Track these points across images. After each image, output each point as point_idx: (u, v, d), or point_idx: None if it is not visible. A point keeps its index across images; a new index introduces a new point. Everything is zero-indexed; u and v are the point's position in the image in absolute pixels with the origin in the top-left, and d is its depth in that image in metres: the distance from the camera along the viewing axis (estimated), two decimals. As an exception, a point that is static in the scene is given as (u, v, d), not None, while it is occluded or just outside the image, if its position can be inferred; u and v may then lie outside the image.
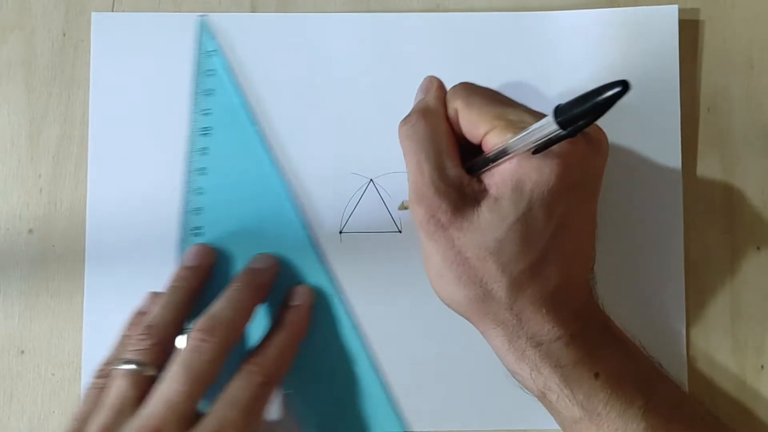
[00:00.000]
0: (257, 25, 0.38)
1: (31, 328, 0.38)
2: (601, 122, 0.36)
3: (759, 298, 0.37)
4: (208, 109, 0.38)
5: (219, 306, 0.34)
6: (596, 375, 0.30)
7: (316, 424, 0.37)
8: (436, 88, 0.33)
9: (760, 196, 0.38)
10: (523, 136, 0.28)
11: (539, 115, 0.30)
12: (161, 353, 0.33)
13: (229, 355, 0.33)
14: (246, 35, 0.38)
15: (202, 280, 0.37)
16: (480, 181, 0.31)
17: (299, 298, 0.37)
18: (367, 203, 0.38)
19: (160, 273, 0.37)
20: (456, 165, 0.31)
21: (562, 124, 0.26)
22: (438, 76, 0.37)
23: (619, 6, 0.38)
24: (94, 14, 0.38)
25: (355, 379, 0.37)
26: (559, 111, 0.26)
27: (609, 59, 0.37)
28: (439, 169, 0.31)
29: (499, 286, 0.30)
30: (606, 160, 0.32)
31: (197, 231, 0.38)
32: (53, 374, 0.37)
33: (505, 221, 0.29)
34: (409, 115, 0.32)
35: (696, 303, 0.37)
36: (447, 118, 0.32)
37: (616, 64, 0.37)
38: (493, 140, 0.30)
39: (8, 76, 0.38)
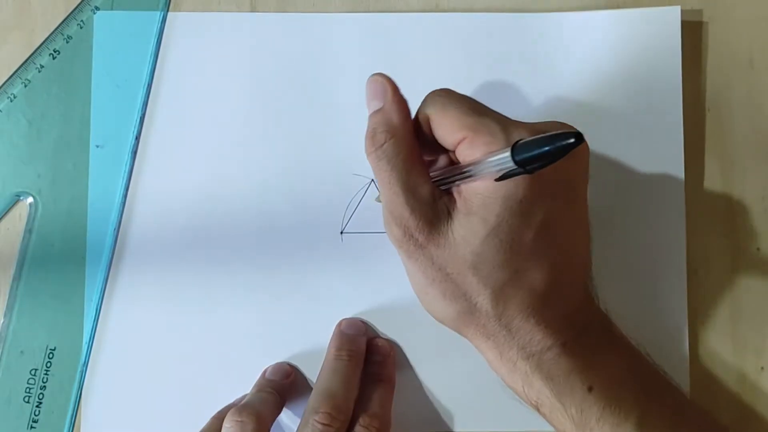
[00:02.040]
0: (257, 25, 0.38)
1: (30, 329, 0.37)
2: (604, 125, 0.37)
3: (759, 300, 0.37)
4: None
5: (332, 385, 0.34)
6: (590, 388, 0.30)
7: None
8: (392, 93, 0.31)
9: (760, 198, 0.38)
10: (482, 165, 0.28)
11: (509, 126, 0.29)
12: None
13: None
14: (246, 35, 0.38)
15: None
16: (450, 193, 0.31)
17: (383, 351, 0.37)
18: (369, 204, 0.37)
19: (160, 272, 0.37)
20: (426, 181, 0.31)
21: (519, 163, 0.26)
22: (437, 76, 0.37)
23: (621, 7, 0.38)
24: (96, 13, 0.38)
25: None
26: (518, 149, 0.26)
27: (611, 61, 0.37)
28: (412, 189, 0.30)
29: (483, 299, 0.30)
30: (586, 165, 0.31)
31: None
32: (53, 375, 0.37)
33: (477, 236, 0.29)
34: (374, 135, 0.31)
35: (697, 305, 0.37)
36: (412, 131, 0.31)
37: (618, 65, 0.37)
38: (464, 151, 0.30)
39: (8, 75, 0.38)
